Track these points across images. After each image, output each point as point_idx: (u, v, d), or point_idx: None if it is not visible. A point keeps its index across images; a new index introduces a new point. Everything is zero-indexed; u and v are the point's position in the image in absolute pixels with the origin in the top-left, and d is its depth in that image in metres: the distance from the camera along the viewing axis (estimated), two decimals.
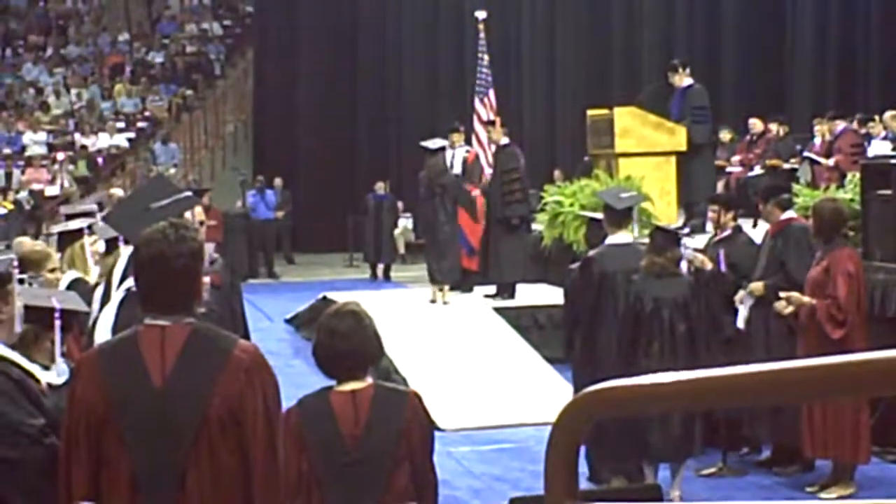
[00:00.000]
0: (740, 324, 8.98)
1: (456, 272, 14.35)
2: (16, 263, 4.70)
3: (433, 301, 14.14)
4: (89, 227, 8.19)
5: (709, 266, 9.16)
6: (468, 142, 15.48)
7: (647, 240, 8.83)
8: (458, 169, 14.60)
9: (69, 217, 9.79)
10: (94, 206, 10.79)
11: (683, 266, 8.72)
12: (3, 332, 4.44)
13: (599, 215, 9.18)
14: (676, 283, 8.42)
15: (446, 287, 14.17)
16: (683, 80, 14.49)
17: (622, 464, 8.57)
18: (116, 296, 5.76)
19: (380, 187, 21.72)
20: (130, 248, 6.65)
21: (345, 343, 4.46)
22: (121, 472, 3.81)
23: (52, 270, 7.19)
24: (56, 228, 8.21)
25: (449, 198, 14.02)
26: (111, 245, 7.41)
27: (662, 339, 8.28)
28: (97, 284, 6.77)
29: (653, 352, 8.27)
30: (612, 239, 8.77)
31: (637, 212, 12.89)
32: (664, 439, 8.23)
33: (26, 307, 4.65)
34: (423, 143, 14.45)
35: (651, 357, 8.22)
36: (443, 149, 14.24)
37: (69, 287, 6.93)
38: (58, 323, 4.75)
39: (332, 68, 25.87)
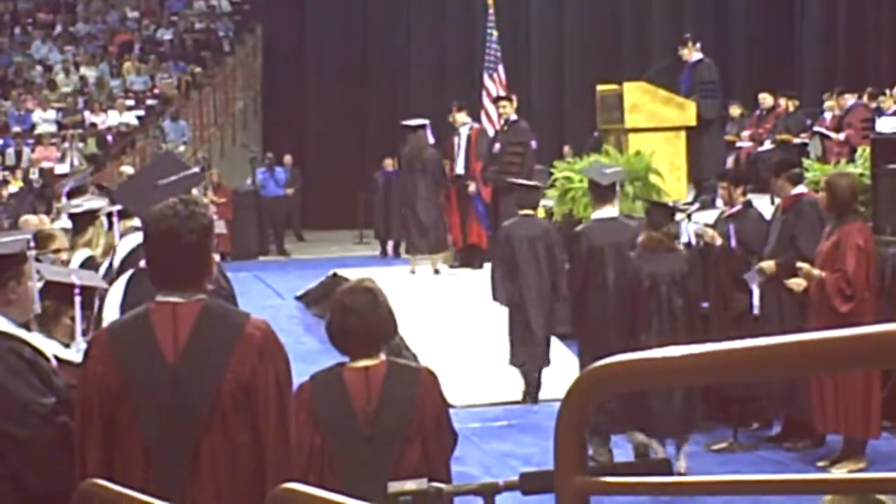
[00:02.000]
0: (756, 309, 8.95)
1: (442, 243, 14.73)
2: (32, 244, 4.68)
3: (413, 272, 14.71)
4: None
5: (718, 241, 9.15)
6: (476, 118, 15.46)
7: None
8: (464, 147, 14.70)
9: (70, 194, 9.76)
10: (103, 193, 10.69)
11: (693, 241, 8.74)
12: (15, 311, 4.44)
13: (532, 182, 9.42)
14: (673, 258, 8.43)
15: (438, 256, 14.67)
16: (693, 54, 14.44)
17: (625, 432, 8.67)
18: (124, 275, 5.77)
19: (389, 164, 21.68)
20: (126, 226, 6.67)
21: (359, 320, 4.42)
22: (134, 449, 3.83)
23: (57, 251, 7.14)
24: (81, 206, 8.09)
25: (428, 174, 14.37)
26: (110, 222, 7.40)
27: (661, 314, 8.32)
28: (101, 263, 6.75)
29: (651, 328, 8.30)
30: (598, 214, 9.01)
31: (650, 189, 12.97)
32: (665, 416, 8.26)
33: (46, 282, 4.65)
34: (404, 123, 15.08)
35: (650, 333, 8.25)
36: (423, 126, 14.56)
37: (81, 266, 6.93)
38: (77, 299, 4.76)
39: (341, 44, 25.83)
